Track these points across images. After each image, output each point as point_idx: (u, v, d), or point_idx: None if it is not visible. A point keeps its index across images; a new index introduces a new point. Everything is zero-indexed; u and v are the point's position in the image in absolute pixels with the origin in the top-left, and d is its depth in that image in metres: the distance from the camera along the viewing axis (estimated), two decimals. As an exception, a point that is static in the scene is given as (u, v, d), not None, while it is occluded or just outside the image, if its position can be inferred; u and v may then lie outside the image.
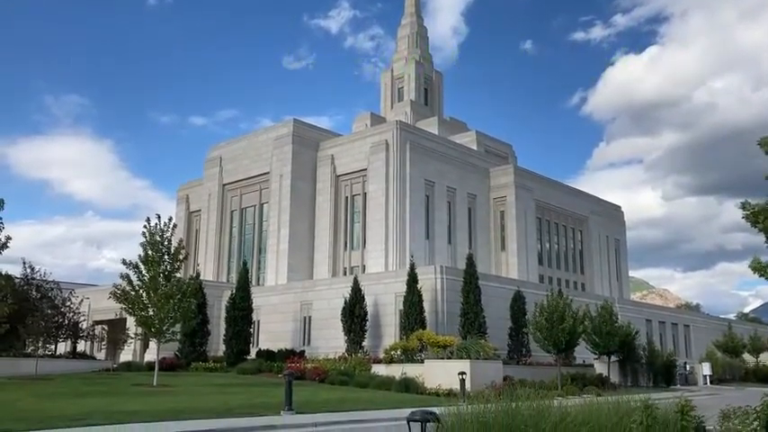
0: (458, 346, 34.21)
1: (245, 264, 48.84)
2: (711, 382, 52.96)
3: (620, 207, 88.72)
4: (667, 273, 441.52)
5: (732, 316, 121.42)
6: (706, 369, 53.79)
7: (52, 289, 41.92)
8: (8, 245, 30.09)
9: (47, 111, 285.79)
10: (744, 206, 9.57)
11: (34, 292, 41.31)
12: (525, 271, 66.02)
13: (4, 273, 39.44)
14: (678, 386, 47.99)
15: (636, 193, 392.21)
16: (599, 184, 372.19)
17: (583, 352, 43.87)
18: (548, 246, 73.97)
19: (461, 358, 32.81)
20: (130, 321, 41.01)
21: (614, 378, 43.62)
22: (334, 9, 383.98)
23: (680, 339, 65.54)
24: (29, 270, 42.37)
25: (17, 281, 41.20)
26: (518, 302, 41.89)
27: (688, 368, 54.91)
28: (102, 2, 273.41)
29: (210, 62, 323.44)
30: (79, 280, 78.39)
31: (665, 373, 48.13)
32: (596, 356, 43.99)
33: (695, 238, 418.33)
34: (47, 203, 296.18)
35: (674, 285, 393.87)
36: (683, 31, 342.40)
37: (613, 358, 44.06)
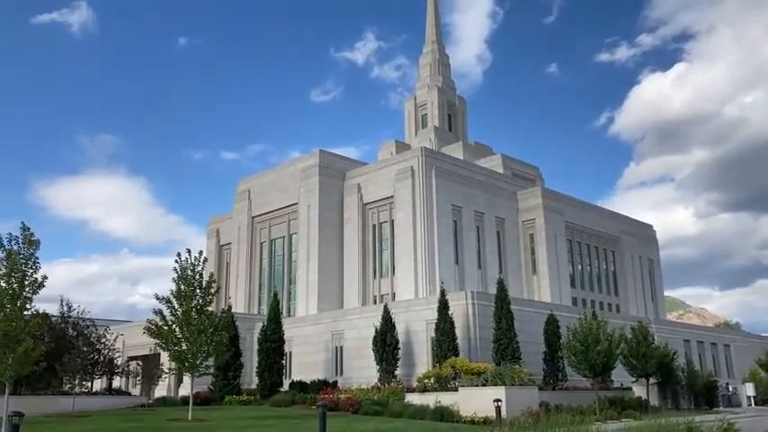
0: (492, 373, 33.76)
1: (275, 295, 48.99)
2: (756, 404, 51.39)
3: (651, 226, 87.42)
4: (704, 291, 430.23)
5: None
6: (749, 390, 52.24)
7: (88, 326, 42.46)
8: (44, 284, 30.60)
9: (82, 151, 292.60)
10: None
11: (71, 330, 41.88)
12: (558, 294, 65.16)
13: (41, 311, 40.09)
14: (721, 408, 46.63)
15: (668, 211, 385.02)
16: (630, 204, 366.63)
17: (620, 375, 42.97)
18: (580, 268, 73.03)
19: (496, 385, 32.37)
20: (164, 356, 41.32)
21: (654, 401, 42.60)
22: (359, 41, 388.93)
23: (720, 359, 63.85)
24: (65, 308, 43.04)
25: (54, 319, 41.84)
26: (551, 326, 41.24)
27: (731, 389, 53.38)
28: (134, 45, 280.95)
29: (241, 98, 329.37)
30: (114, 316, 79.57)
31: (707, 395, 46.85)
32: (634, 379, 43.05)
33: (731, 255, 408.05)
34: (83, 242, 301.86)
35: (711, 304, 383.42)
36: (709, 47, 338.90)
37: (652, 380, 43.06)
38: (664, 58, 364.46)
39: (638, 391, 43.14)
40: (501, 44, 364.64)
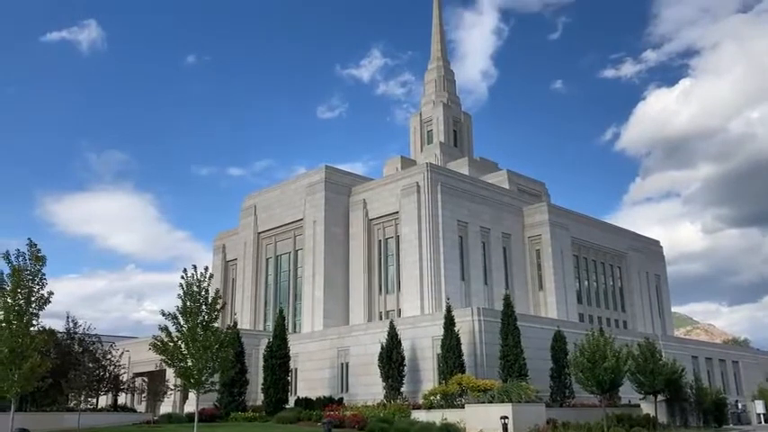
0: (499, 390, 33.61)
1: (281, 311, 48.91)
2: (766, 421, 50.87)
3: (658, 242, 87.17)
4: (712, 307, 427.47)
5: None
6: (759, 407, 51.74)
7: (94, 343, 42.48)
8: (50, 300, 30.69)
9: (90, 168, 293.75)
10: None
11: (76, 346, 41.90)
12: (564, 310, 64.89)
13: (47, 328, 40.13)
14: (731, 426, 46.18)
15: (675, 227, 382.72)
16: (637, 219, 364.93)
17: (628, 392, 42.65)
18: (586, 284, 72.76)
19: (503, 402, 32.23)
20: (170, 373, 41.25)
21: (662, 418, 42.21)
22: (365, 58, 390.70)
23: (729, 376, 63.28)
24: (71, 324, 43.09)
25: (60, 335, 41.89)
26: (558, 343, 41.06)
27: (740, 406, 52.87)
28: (142, 62, 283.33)
29: (247, 115, 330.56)
30: (120, 332, 79.67)
31: (716, 412, 46.34)
32: (642, 396, 42.70)
33: (739, 271, 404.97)
34: (90, 258, 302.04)
35: (719, 320, 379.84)
36: (714, 63, 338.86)
37: (660, 397, 42.71)
38: (669, 73, 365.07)
39: (647, 408, 42.78)
40: (506, 60, 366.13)
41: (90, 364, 39.66)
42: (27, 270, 29.52)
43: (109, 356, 42.20)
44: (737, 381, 64.24)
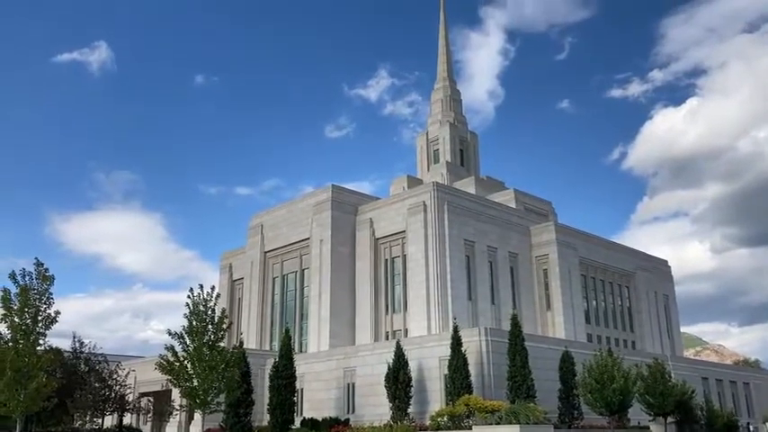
0: (506, 411, 33.27)
1: (287, 331, 48.64)
2: (778, 443, 50.17)
3: (666, 262, 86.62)
4: (722, 327, 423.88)
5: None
6: (771, 429, 51.02)
7: (100, 362, 42.41)
8: (57, 319, 30.73)
9: (99, 187, 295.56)
10: None
11: (82, 366, 41.84)
12: (572, 330, 64.40)
13: (53, 347, 40.12)
14: (742, 448, 45.50)
15: (683, 246, 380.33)
16: (645, 239, 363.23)
17: (637, 413, 42.17)
18: (594, 303, 72.25)
19: (511, 423, 31.87)
20: (176, 393, 41.06)
21: (673, 441, 41.70)
22: (372, 78, 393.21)
23: (740, 398, 62.53)
24: (77, 344, 43.07)
25: (66, 355, 41.86)
26: (567, 363, 40.69)
27: (752, 428, 52.16)
28: (152, 82, 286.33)
29: (256, 135, 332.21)
30: (127, 352, 79.49)
31: (727, 434, 45.79)
32: (651, 417, 42.20)
33: (749, 291, 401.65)
34: (97, 277, 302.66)
35: (730, 340, 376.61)
36: (722, 82, 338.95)
37: (670, 419, 42.18)
38: (676, 93, 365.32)
39: (656, 429, 42.29)
40: (513, 80, 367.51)
41: (96, 384, 39.58)
42: (34, 289, 29.62)
43: (115, 376, 42.11)
44: (749, 402, 63.47)
